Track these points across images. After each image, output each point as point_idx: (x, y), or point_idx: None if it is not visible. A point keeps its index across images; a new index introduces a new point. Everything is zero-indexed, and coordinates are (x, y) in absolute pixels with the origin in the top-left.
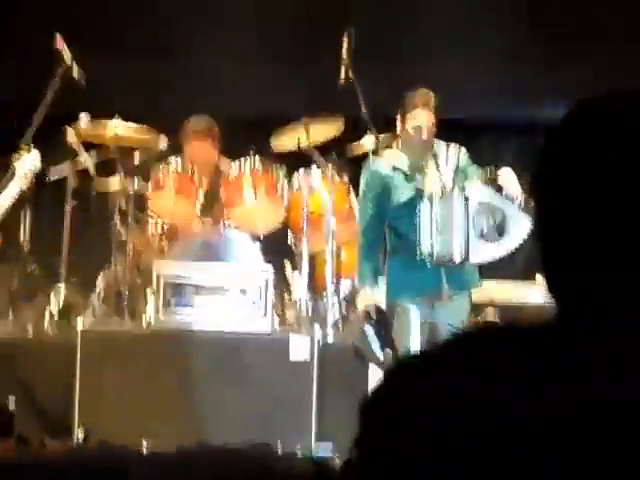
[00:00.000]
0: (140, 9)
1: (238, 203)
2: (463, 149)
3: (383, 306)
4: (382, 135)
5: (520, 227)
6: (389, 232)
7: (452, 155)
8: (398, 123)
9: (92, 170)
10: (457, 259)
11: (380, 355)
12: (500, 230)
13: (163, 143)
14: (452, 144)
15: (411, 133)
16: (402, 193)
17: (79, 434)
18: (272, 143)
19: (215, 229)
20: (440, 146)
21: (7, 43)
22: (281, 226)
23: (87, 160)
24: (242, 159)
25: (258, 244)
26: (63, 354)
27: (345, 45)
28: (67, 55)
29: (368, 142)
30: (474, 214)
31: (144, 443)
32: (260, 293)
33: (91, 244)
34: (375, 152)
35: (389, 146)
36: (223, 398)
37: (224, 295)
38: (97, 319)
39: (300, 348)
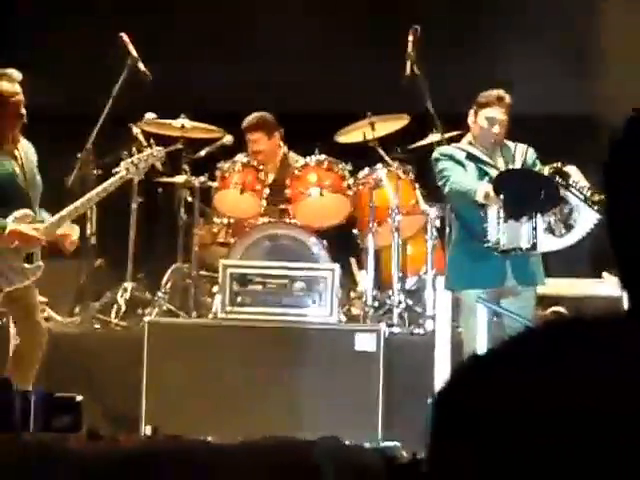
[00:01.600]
0: (205, 11)
1: (304, 198)
2: (531, 149)
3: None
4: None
5: (586, 219)
6: (455, 221)
7: (520, 153)
8: (470, 118)
9: (158, 165)
10: (524, 248)
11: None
12: (567, 222)
13: (228, 138)
14: (520, 144)
15: (484, 126)
16: (473, 179)
17: (147, 428)
18: (338, 139)
19: (281, 224)
20: (509, 144)
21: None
22: (347, 221)
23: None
24: (308, 155)
25: (324, 241)
26: (130, 348)
27: (411, 42)
28: (132, 51)
29: (433, 138)
30: None
31: (211, 437)
32: (326, 288)
33: (157, 239)
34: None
35: (456, 141)
36: (289, 391)
37: (290, 290)
38: (164, 314)
39: (366, 341)
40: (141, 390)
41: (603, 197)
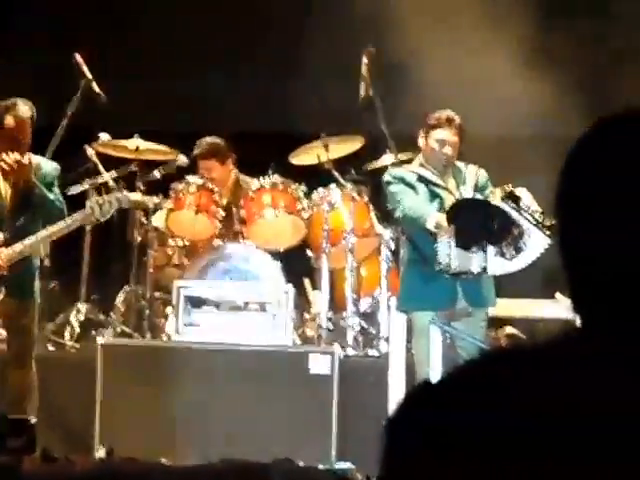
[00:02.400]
0: (156, 28)
1: (258, 220)
2: (482, 170)
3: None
4: (400, 154)
5: (537, 243)
6: (407, 243)
7: (471, 174)
8: (421, 140)
9: (112, 186)
10: (475, 272)
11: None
12: (517, 245)
13: (182, 160)
14: (471, 164)
15: (434, 147)
16: (424, 204)
17: (100, 450)
18: (292, 160)
19: (235, 246)
20: (459, 165)
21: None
22: (301, 243)
23: (107, 176)
24: (262, 176)
25: (278, 262)
26: (84, 370)
27: (365, 63)
28: (86, 72)
29: (387, 160)
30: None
31: (165, 459)
32: (280, 309)
33: (111, 261)
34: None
35: (408, 163)
36: (244, 413)
37: (244, 312)
38: (117, 335)
39: (320, 363)
40: (94, 411)
41: (554, 222)
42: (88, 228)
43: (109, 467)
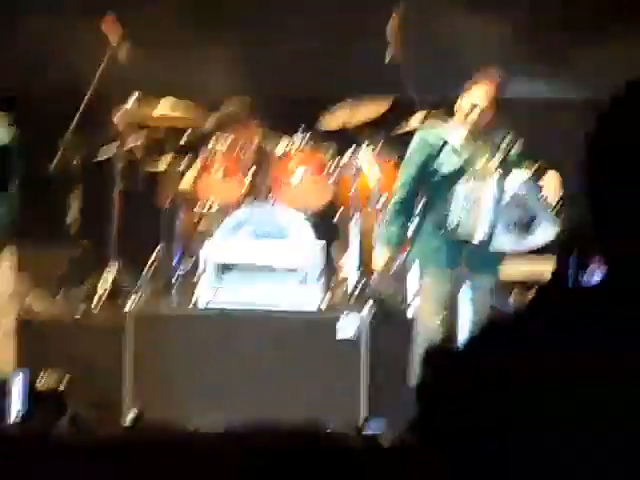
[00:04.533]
0: None
1: (286, 182)
2: (520, 140)
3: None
4: (433, 112)
5: (545, 230)
6: (423, 200)
7: (505, 142)
8: (459, 99)
9: (140, 151)
10: (476, 241)
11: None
12: (527, 228)
13: (211, 123)
14: (511, 133)
15: (465, 110)
16: (445, 165)
17: (130, 414)
18: (321, 122)
19: (264, 208)
20: (496, 131)
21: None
22: (330, 204)
23: (135, 141)
24: (291, 138)
25: (307, 222)
26: (112, 335)
27: (393, 24)
28: (115, 36)
29: (417, 120)
30: (507, 204)
31: (194, 424)
32: (310, 270)
33: (140, 225)
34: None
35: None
36: (272, 377)
37: (274, 274)
38: (146, 301)
39: (349, 326)
40: (123, 376)
41: (568, 210)
42: (117, 192)
43: (137, 431)
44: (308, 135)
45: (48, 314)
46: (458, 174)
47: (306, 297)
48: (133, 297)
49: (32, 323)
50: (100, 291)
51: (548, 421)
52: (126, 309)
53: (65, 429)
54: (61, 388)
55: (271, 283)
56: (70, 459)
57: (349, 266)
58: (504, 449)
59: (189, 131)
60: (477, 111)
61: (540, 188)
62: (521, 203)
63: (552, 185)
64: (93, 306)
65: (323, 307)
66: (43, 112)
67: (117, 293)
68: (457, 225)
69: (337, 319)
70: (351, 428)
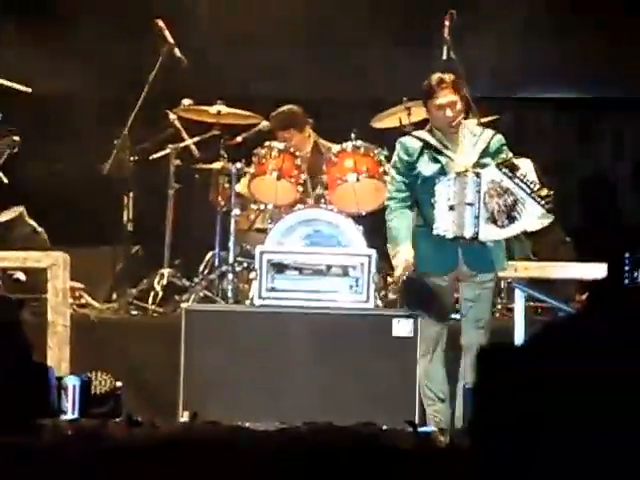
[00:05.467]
0: None
1: (340, 184)
2: (499, 135)
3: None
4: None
5: (531, 213)
6: (417, 207)
7: (484, 138)
8: (425, 109)
9: (195, 151)
10: (467, 237)
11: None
12: (510, 214)
13: (265, 124)
14: (488, 129)
15: (435, 114)
16: (426, 169)
17: (185, 414)
18: (374, 125)
19: (318, 210)
20: (475, 129)
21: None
22: (383, 206)
23: (189, 141)
24: (344, 141)
25: (360, 226)
26: (167, 335)
27: (447, 25)
28: (168, 37)
29: (469, 122)
30: (485, 194)
31: (248, 422)
32: (362, 273)
33: (194, 225)
34: None
35: (488, 126)
36: (326, 377)
37: (327, 276)
38: (201, 300)
39: (403, 326)
40: (178, 376)
41: (550, 192)
42: (171, 192)
43: (193, 431)
44: (362, 136)
45: (103, 315)
46: (438, 176)
47: (359, 297)
48: (188, 296)
49: (87, 324)
50: (155, 290)
51: (606, 419)
52: (181, 307)
53: (120, 429)
54: (116, 388)
55: (324, 284)
56: (124, 460)
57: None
58: (563, 449)
59: (245, 132)
60: (447, 109)
61: (515, 173)
62: (501, 191)
63: (529, 168)
64: (148, 305)
65: (377, 305)
66: (97, 112)
67: (172, 292)
68: (446, 227)
69: (392, 317)
70: (407, 427)
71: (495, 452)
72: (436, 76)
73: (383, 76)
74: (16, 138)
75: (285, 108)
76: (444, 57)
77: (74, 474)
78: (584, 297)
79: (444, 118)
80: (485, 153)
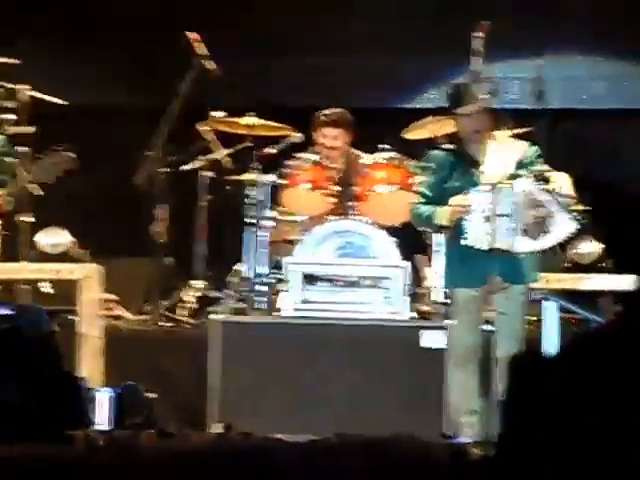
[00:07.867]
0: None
1: (373, 195)
2: (534, 147)
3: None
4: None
5: (562, 227)
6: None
7: (517, 150)
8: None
9: (226, 163)
10: (502, 248)
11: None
12: (542, 227)
13: (297, 136)
14: (521, 141)
15: (463, 128)
16: (457, 182)
17: (217, 426)
18: (405, 136)
19: (350, 221)
20: (503, 140)
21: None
22: None
23: (220, 154)
24: (375, 152)
25: (393, 238)
26: (198, 347)
27: (480, 37)
28: (199, 50)
29: (501, 134)
30: (518, 206)
31: (281, 434)
32: (395, 285)
33: (226, 237)
34: None
35: (522, 138)
36: (357, 388)
37: (358, 288)
38: (232, 312)
39: (433, 338)
40: (209, 388)
41: (583, 207)
42: (203, 204)
43: (225, 442)
44: (394, 147)
45: (135, 327)
46: (469, 187)
47: (391, 308)
48: (219, 307)
49: (119, 337)
50: (187, 302)
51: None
52: (212, 318)
53: (152, 440)
54: (148, 400)
55: (355, 296)
56: (156, 471)
57: (433, 276)
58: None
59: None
60: (473, 122)
61: (549, 186)
62: (534, 204)
63: (562, 181)
64: (180, 317)
65: (408, 317)
66: (129, 124)
67: (203, 303)
68: (477, 237)
69: (423, 328)
70: (438, 438)
71: (524, 465)
72: (461, 86)
73: (414, 87)
74: (72, 154)
75: (338, 109)
76: (475, 68)
77: None
78: (617, 309)
79: (470, 127)
80: (520, 165)
